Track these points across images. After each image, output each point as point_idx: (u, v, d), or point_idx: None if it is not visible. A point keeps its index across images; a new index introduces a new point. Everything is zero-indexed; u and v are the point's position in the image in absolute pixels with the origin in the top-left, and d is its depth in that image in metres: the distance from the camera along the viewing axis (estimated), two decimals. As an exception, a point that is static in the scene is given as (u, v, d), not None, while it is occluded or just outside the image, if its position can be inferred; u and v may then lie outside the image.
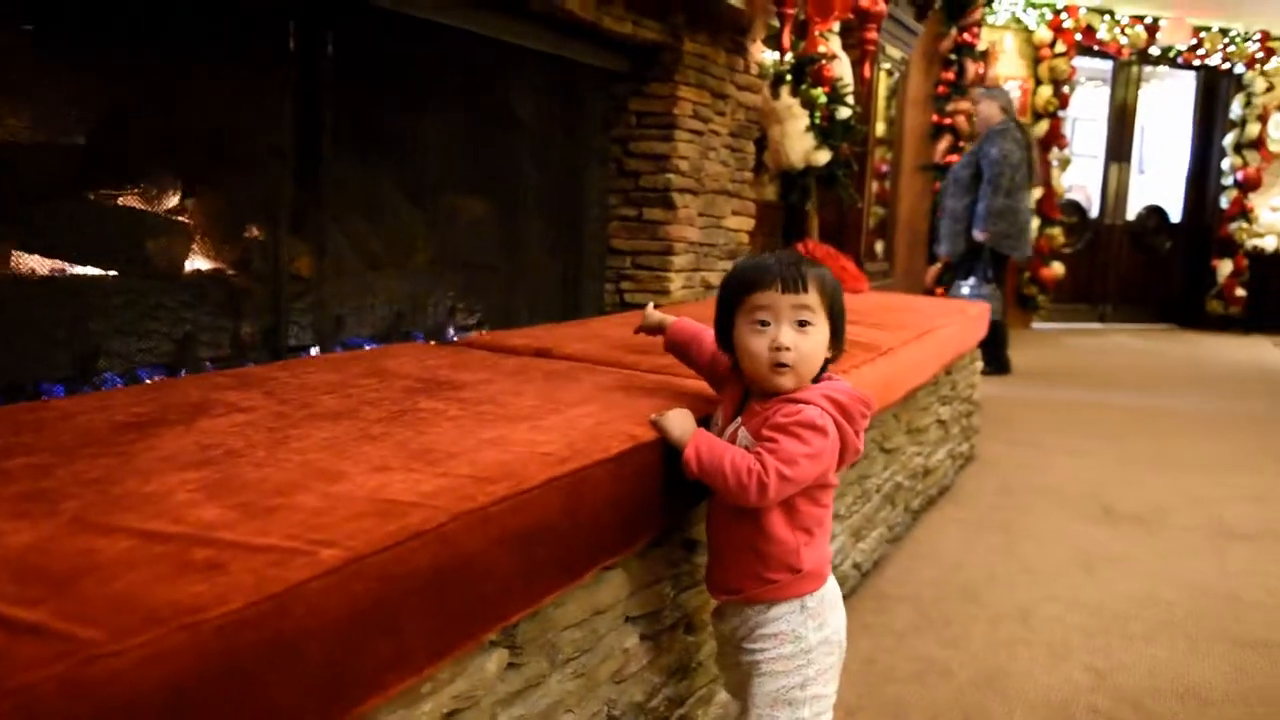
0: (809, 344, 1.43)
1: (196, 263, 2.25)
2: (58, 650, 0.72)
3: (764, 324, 1.43)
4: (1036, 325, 9.77)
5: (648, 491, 1.48)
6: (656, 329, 1.83)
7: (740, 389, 1.55)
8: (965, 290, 6.22)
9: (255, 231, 2.37)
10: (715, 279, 3.90)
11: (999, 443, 4.64)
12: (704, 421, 1.61)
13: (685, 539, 1.77)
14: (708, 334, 1.72)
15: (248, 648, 0.82)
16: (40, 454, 1.20)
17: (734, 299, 1.47)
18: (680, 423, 1.50)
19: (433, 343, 2.48)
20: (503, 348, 2.22)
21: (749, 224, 4.11)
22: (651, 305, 1.96)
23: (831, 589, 1.51)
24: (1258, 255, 10.34)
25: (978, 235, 6.12)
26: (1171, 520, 3.63)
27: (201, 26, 2.16)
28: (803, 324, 1.43)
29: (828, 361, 1.49)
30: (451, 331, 2.94)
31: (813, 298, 1.43)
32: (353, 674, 0.94)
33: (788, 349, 1.41)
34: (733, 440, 1.49)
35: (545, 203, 3.34)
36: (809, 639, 1.46)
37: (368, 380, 1.74)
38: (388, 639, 0.98)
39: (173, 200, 2.22)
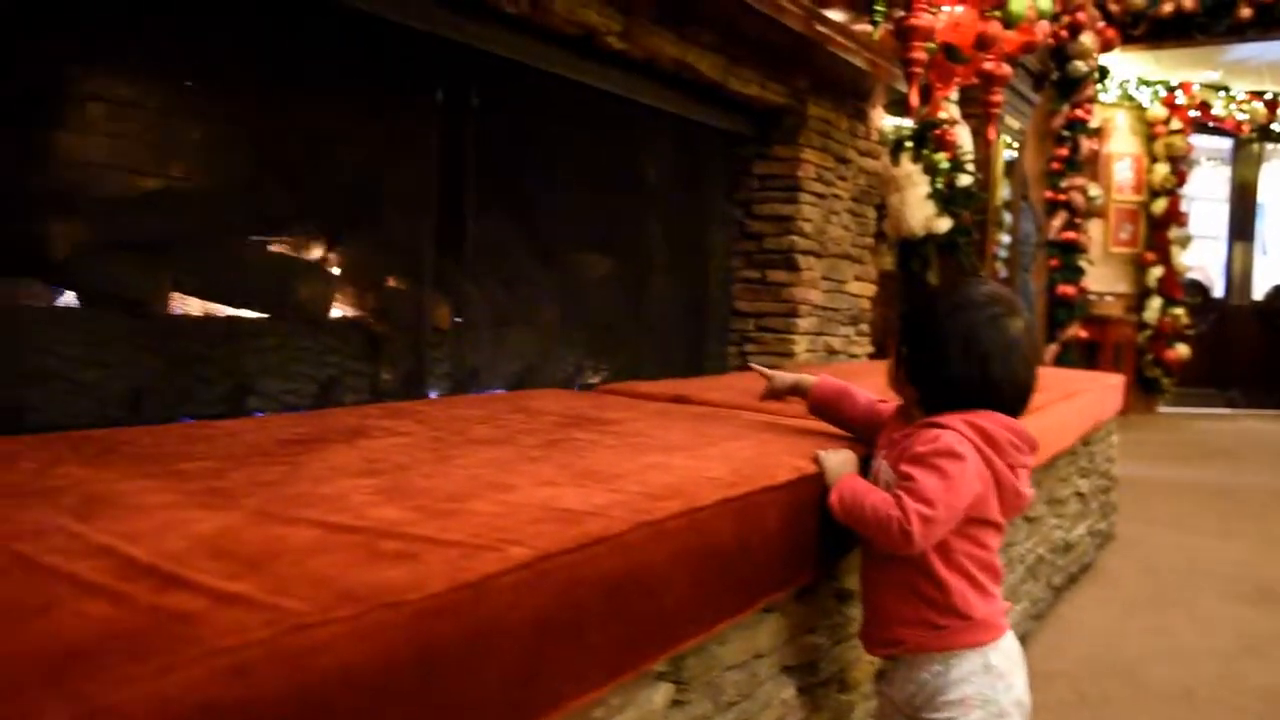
0: (889, 367, 1.47)
1: (342, 310, 2.29)
2: (265, 618, 0.69)
3: None
4: (1162, 409, 9.35)
5: (812, 526, 1.41)
6: (790, 391, 1.72)
7: (895, 428, 1.46)
8: None
9: (397, 282, 2.41)
10: (839, 343, 3.83)
11: (1137, 522, 4.39)
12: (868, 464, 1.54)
13: (838, 589, 1.68)
14: (859, 393, 1.65)
15: (446, 636, 0.78)
16: (212, 460, 1.20)
17: None
18: (836, 463, 1.43)
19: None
20: (638, 394, 2.19)
21: (871, 290, 4.04)
22: (759, 366, 1.85)
23: (1011, 643, 1.38)
24: (1398, 337, 9.77)
25: None
26: (1340, 605, 3.35)
27: (357, 79, 2.24)
28: None
29: (939, 397, 1.39)
30: (578, 387, 2.93)
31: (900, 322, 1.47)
32: (540, 680, 0.89)
33: None
34: (876, 476, 1.41)
35: (670, 264, 3.34)
36: (999, 701, 1.32)
37: (515, 415, 1.72)
38: (572, 647, 0.92)
39: (322, 249, 2.27)
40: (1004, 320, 1.36)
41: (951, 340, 1.36)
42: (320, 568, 0.80)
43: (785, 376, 1.74)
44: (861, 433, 1.63)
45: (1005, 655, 1.35)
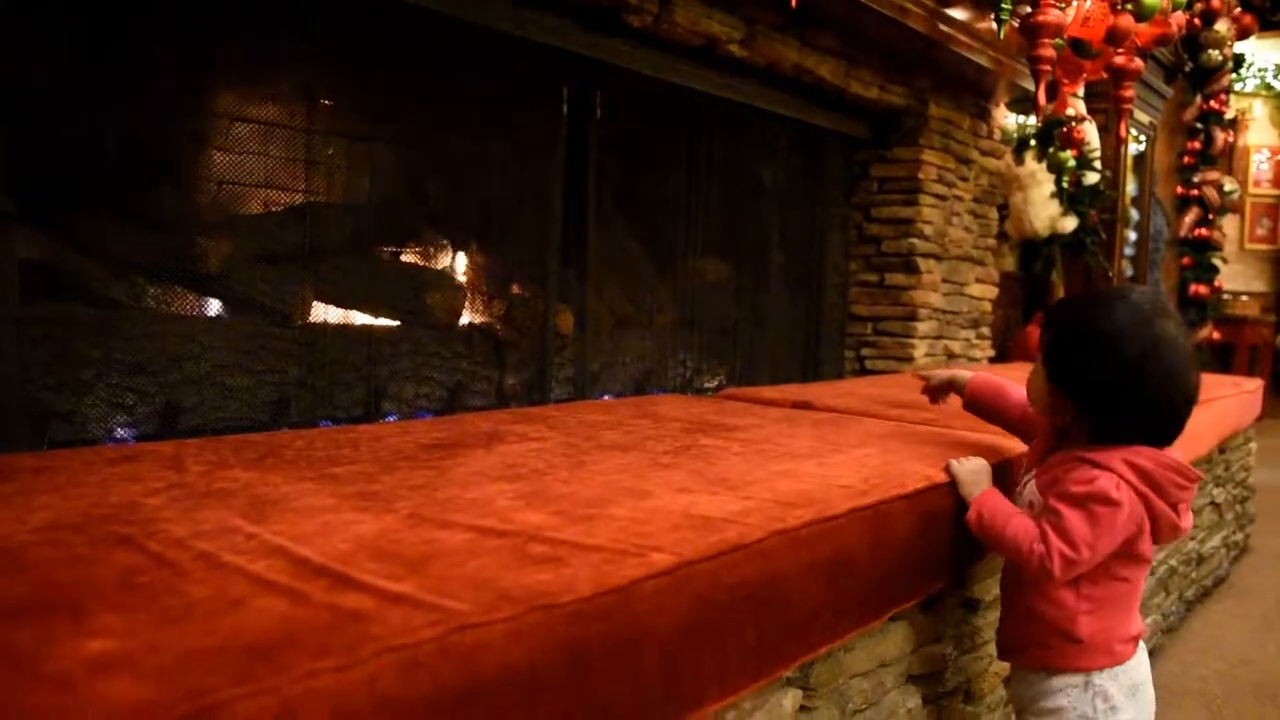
0: (1032, 382, 1.39)
1: (470, 317, 2.37)
2: (432, 618, 0.73)
3: None
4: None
5: (942, 535, 1.40)
6: (945, 387, 1.73)
7: (1050, 438, 1.43)
8: None
9: (523, 289, 2.48)
10: (959, 347, 3.76)
11: (1276, 534, 4.18)
12: (1005, 469, 1.53)
13: (966, 598, 1.67)
14: (1013, 390, 1.62)
15: (594, 638, 0.81)
16: (362, 464, 1.26)
17: None
18: (971, 476, 1.41)
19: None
20: (760, 400, 2.20)
21: (992, 292, 3.96)
22: (919, 374, 1.88)
23: (1132, 673, 1.34)
24: None
25: None
26: None
27: (487, 93, 2.32)
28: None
29: (1110, 427, 1.29)
30: (694, 391, 2.96)
31: (1043, 334, 1.37)
32: (681, 683, 0.91)
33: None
34: (1022, 491, 1.40)
35: (786, 268, 3.34)
36: None
37: (641, 421, 1.75)
38: (712, 651, 0.95)
39: (452, 259, 2.35)
40: (1176, 338, 1.26)
41: (1128, 366, 1.25)
42: (475, 570, 0.84)
43: (939, 373, 1.75)
44: (1015, 429, 1.63)
45: (1114, 679, 1.32)
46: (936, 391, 1.75)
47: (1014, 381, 1.64)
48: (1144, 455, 1.26)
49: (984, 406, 1.65)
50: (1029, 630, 1.36)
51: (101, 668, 0.63)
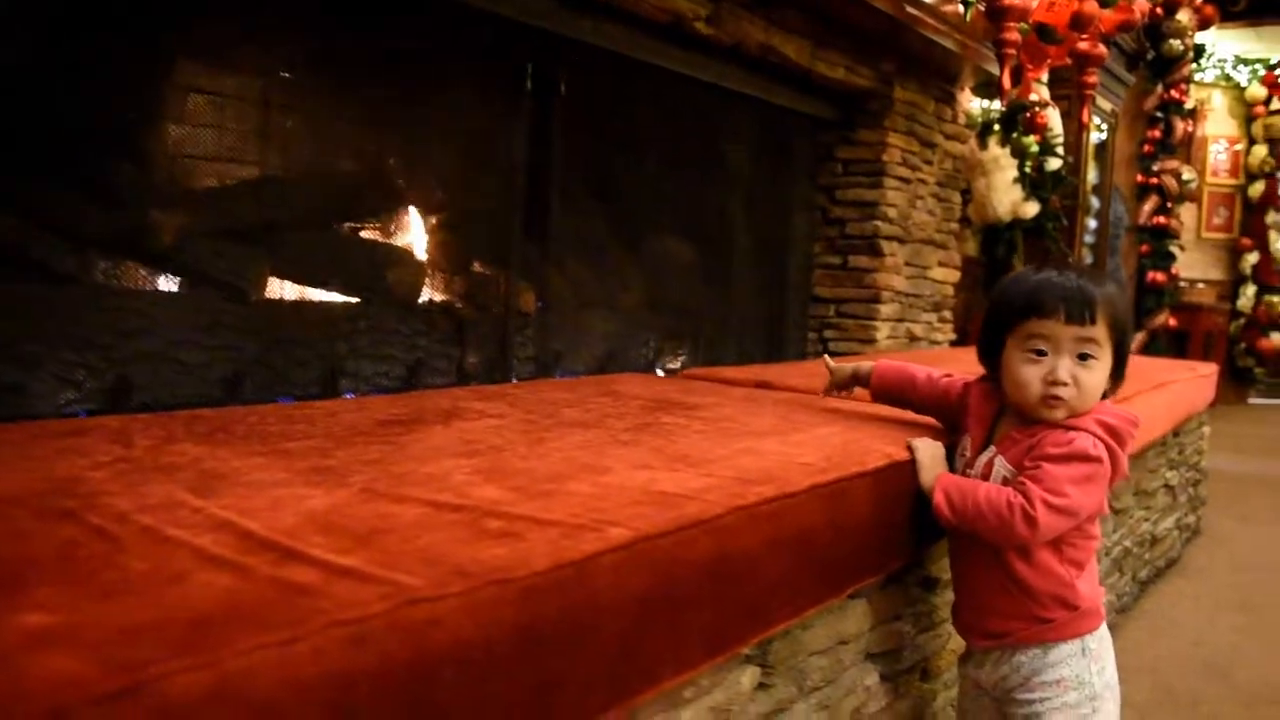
0: (1089, 379, 1.28)
1: (430, 294, 2.34)
2: (380, 592, 0.72)
3: (1040, 353, 1.30)
4: (1254, 400, 9.03)
5: (901, 513, 1.40)
6: (850, 383, 1.72)
7: (992, 412, 1.43)
8: None
9: (484, 267, 2.45)
10: (920, 330, 3.79)
11: (1228, 518, 4.26)
12: (950, 449, 1.52)
13: (924, 576, 1.67)
14: (917, 371, 1.63)
15: (551, 613, 0.80)
16: (316, 440, 1.24)
17: (1006, 320, 1.33)
18: (931, 461, 1.40)
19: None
20: (722, 379, 2.19)
21: (955, 276, 3.99)
22: (827, 358, 1.83)
23: (1104, 629, 1.38)
24: None
25: None
26: None
27: (449, 68, 2.28)
28: (1084, 357, 1.29)
29: (1105, 394, 1.34)
30: (659, 371, 2.95)
31: (1100, 330, 1.28)
32: (638, 659, 0.90)
33: (1065, 384, 1.28)
34: (987, 471, 1.37)
35: (751, 249, 3.34)
36: (1093, 684, 1.32)
37: (602, 399, 1.74)
38: (669, 628, 0.94)
39: (412, 235, 2.32)
40: None
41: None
42: (429, 544, 0.83)
43: (844, 368, 1.73)
44: (927, 410, 1.62)
45: (1099, 639, 1.35)
46: (842, 387, 1.75)
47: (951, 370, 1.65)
48: (1107, 411, 1.30)
49: (893, 394, 1.65)
50: (1013, 607, 1.34)
51: (38, 642, 0.61)
